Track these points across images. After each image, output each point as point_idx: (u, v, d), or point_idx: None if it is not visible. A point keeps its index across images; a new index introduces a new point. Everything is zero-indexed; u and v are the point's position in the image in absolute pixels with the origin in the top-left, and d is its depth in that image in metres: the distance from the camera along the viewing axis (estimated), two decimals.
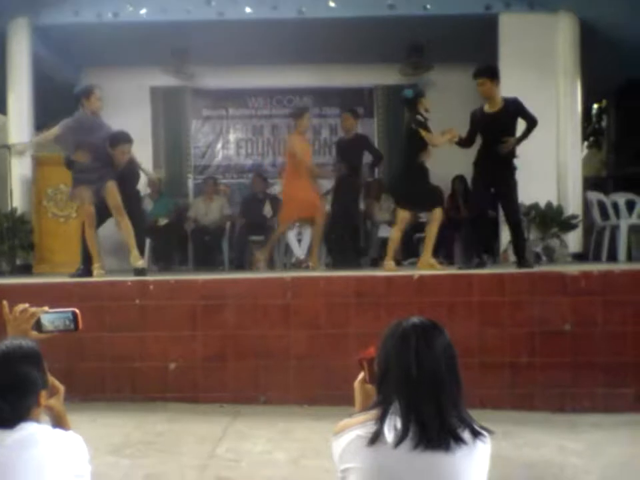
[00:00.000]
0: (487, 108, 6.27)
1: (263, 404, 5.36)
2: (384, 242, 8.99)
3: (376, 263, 8.74)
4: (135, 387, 5.41)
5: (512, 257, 7.55)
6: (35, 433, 1.93)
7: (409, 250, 8.81)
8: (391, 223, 8.89)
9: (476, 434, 1.90)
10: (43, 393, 2.03)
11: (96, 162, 6.27)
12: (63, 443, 1.97)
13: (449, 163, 8.97)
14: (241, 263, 8.49)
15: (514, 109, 6.17)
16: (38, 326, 2.26)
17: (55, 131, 6.31)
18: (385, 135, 10.00)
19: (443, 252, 8.67)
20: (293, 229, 8.64)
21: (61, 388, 2.20)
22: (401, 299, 5.34)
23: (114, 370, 5.41)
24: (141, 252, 6.67)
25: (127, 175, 6.52)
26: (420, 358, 1.89)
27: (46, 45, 8.54)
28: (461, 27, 8.05)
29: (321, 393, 5.27)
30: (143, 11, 8.09)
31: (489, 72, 6.21)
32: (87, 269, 6.38)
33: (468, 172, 8.69)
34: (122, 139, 6.39)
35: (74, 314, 2.28)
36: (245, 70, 9.50)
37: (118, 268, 7.69)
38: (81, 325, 2.29)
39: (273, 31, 8.16)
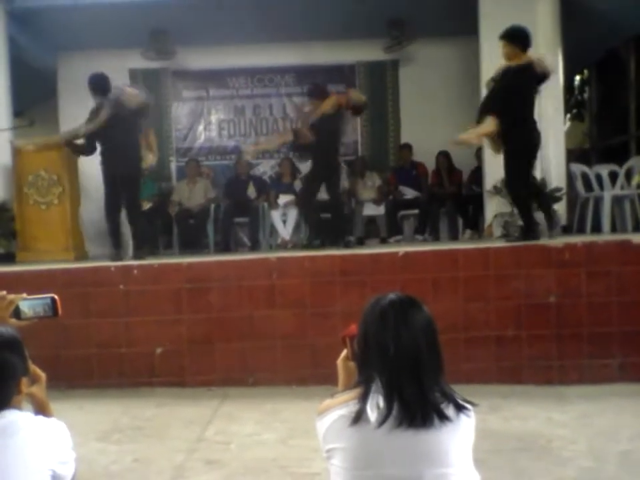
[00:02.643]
0: None
1: (251, 385, 5.37)
2: (369, 220, 9.01)
3: (361, 241, 8.74)
4: (122, 372, 5.40)
5: (497, 232, 7.59)
6: (17, 421, 1.91)
7: (394, 228, 8.81)
8: (375, 201, 8.90)
9: (460, 408, 1.90)
10: (24, 380, 2.01)
11: None
12: (45, 430, 1.95)
13: (432, 138, 8.99)
14: (226, 245, 8.46)
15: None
16: (16, 313, 2.24)
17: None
18: (368, 111, 9.92)
19: (429, 228, 8.69)
20: (277, 209, 8.62)
21: (43, 375, 2.19)
22: (387, 276, 5.35)
23: (100, 356, 5.40)
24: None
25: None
26: (398, 335, 1.87)
27: (22, 29, 8.40)
28: (441, 1, 7.99)
29: (309, 373, 5.28)
30: None
31: (507, 35, 6.04)
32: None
33: (451, 147, 8.74)
34: None
35: (53, 300, 2.26)
36: (224, 50, 9.40)
37: (104, 254, 7.63)
38: (60, 311, 2.27)
39: (252, 9, 8.07)
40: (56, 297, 2.28)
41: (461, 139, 6.19)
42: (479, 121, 6.12)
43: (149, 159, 7.04)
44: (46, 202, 7.20)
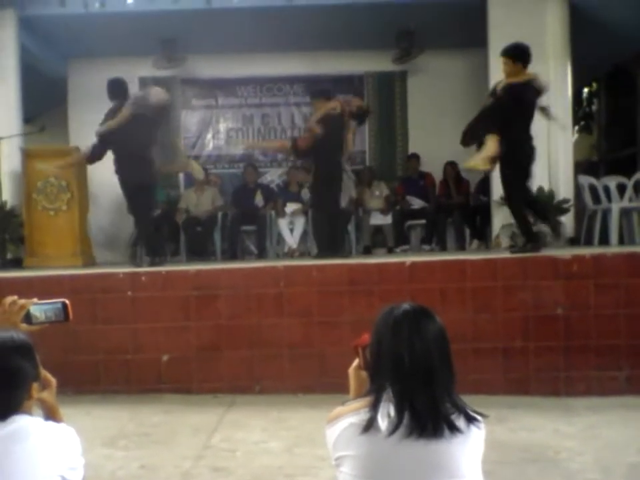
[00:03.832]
0: None
1: (258, 393, 5.37)
2: (376, 229, 9.01)
3: (368, 250, 8.74)
4: (129, 379, 5.40)
5: (504, 242, 7.58)
6: (27, 426, 1.91)
7: (401, 237, 8.81)
8: (383, 210, 8.91)
9: (470, 419, 1.90)
10: (35, 386, 2.01)
11: None
12: (55, 435, 1.95)
13: (440, 148, 9.01)
14: (233, 253, 8.47)
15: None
16: (27, 318, 2.24)
17: None
18: (375, 121, 9.97)
19: (436, 238, 8.69)
20: (285, 217, 8.63)
21: (53, 381, 2.19)
22: (394, 286, 5.34)
23: (107, 362, 5.40)
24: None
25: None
26: (412, 345, 1.87)
27: (32, 36, 8.46)
28: (451, 12, 8.01)
29: (316, 381, 5.28)
30: (130, 1, 8.00)
31: (511, 52, 6.10)
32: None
33: (459, 158, 8.75)
34: None
35: (64, 304, 2.27)
36: (234, 59, 9.44)
37: (112, 260, 7.68)
38: (71, 316, 2.27)
39: (261, 18, 8.10)
40: (67, 301, 2.28)
41: (469, 167, 6.22)
42: (473, 136, 6.14)
43: (196, 169, 7.10)
44: (54, 208, 7.25)
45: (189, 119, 10.12)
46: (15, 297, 2.25)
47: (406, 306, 1.97)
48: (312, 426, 4.32)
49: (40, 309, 2.26)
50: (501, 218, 7.76)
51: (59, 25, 8.19)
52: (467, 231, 8.77)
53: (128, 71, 9.27)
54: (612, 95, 11.33)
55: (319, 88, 7.60)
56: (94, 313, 5.39)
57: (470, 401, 1.98)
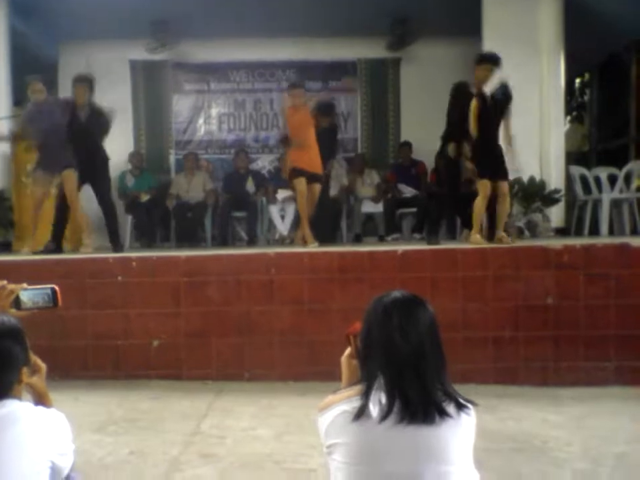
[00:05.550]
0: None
1: (247, 380, 5.37)
2: (368, 217, 9.00)
3: (359, 238, 8.73)
4: (118, 364, 5.39)
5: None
6: (17, 411, 1.91)
7: (392, 226, 8.80)
8: (374, 198, 8.89)
9: (460, 407, 1.91)
10: (25, 370, 2.01)
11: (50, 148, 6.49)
12: (45, 420, 1.95)
13: (433, 136, 8.98)
14: (223, 239, 8.44)
15: None
16: (17, 303, 2.22)
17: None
18: (368, 108, 9.94)
19: (427, 226, 8.68)
20: (276, 204, 8.61)
21: (43, 366, 2.18)
22: (385, 274, 5.34)
23: (96, 348, 5.38)
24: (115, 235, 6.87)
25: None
26: (403, 332, 1.88)
27: (23, 18, 8.38)
28: (445, 1, 7.99)
29: (305, 369, 5.28)
30: None
31: (495, 60, 6.29)
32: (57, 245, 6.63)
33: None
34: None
35: (53, 290, 2.25)
36: (226, 43, 9.38)
37: (102, 245, 7.63)
38: (60, 302, 2.26)
39: (254, 3, 8.05)
40: (56, 287, 2.27)
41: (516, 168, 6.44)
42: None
43: None
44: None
45: (181, 104, 10.06)
46: (5, 282, 2.23)
47: (397, 294, 1.97)
48: (302, 413, 4.32)
49: (29, 294, 2.24)
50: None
51: (50, 8, 8.12)
52: (458, 220, 8.76)
53: (119, 54, 9.25)
54: (604, 86, 11.34)
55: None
56: (83, 298, 5.36)
57: (460, 389, 1.99)
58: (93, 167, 6.63)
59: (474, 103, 6.15)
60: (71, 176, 6.51)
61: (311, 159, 6.87)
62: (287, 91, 7.22)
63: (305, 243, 6.61)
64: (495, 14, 7.99)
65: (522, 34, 7.92)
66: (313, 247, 6.33)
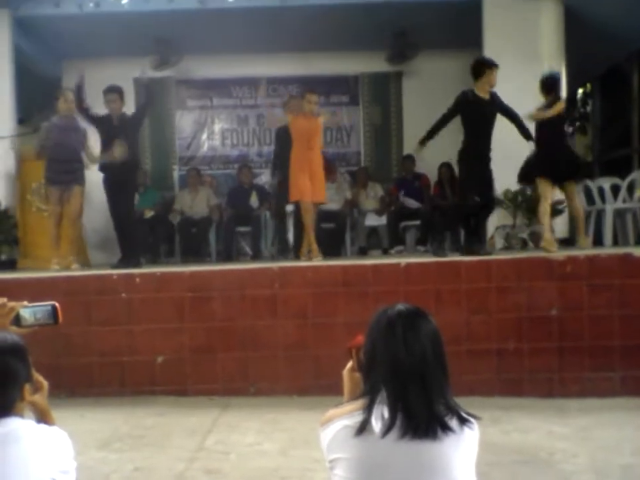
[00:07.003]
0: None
1: (253, 395, 5.36)
2: (372, 230, 9.01)
3: (364, 251, 8.74)
4: (123, 381, 5.39)
5: (499, 243, 7.59)
6: (19, 429, 1.90)
7: (396, 238, 8.80)
8: (378, 211, 8.91)
9: (463, 421, 1.89)
10: (27, 387, 2.00)
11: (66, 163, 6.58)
12: (47, 438, 1.94)
13: (435, 149, 9.01)
14: (228, 254, 8.46)
15: None
16: (17, 320, 2.23)
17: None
18: (371, 122, 9.98)
19: (431, 239, 8.68)
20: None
21: (45, 383, 2.18)
22: (389, 287, 5.34)
23: (101, 364, 5.39)
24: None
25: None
26: (407, 345, 1.87)
27: (27, 37, 8.45)
28: (446, 13, 8.04)
29: (310, 383, 5.28)
30: (125, 1, 8.01)
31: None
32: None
33: (453, 159, 8.75)
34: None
35: (54, 307, 2.26)
36: (228, 59, 9.44)
37: (106, 262, 7.65)
38: (61, 319, 2.26)
39: (255, 19, 8.11)
40: (57, 304, 2.27)
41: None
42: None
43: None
44: (48, 209, 7.21)
45: (184, 120, 10.11)
46: (5, 299, 2.24)
47: (400, 307, 1.96)
48: (307, 428, 4.32)
49: (29, 311, 2.25)
50: (495, 219, 7.77)
51: (54, 26, 8.19)
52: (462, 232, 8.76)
53: (123, 72, 9.28)
54: (606, 96, 11.36)
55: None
56: (88, 315, 5.38)
57: (464, 402, 1.98)
58: (126, 171, 6.64)
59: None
60: (81, 192, 6.58)
61: (316, 186, 6.72)
62: (303, 96, 6.95)
63: (310, 256, 6.59)
64: (496, 26, 8.03)
65: (523, 45, 7.96)
66: (317, 261, 6.31)
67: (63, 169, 6.61)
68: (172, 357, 5.41)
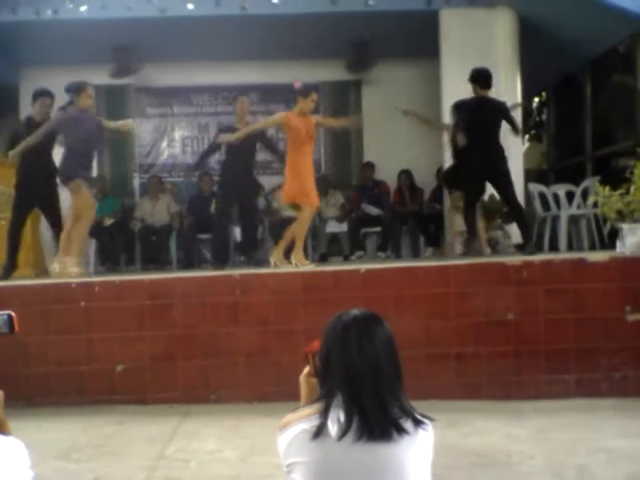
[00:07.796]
0: None
1: (214, 402, 5.35)
2: (333, 237, 9.06)
3: (325, 258, 8.78)
4: (82, 390, 5.34)
5: (457, 249, 7.69)
6: None
7: (356, 245, 8.87)
8: (338, 218, 8.97)
9: (418, 423, 1.93)
10: None
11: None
12: (1, 449, 1.93)
13: (395, 157, 9.12)
14: (189, 262, 8.43)
15: None
16: None
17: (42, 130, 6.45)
18: (331, 131, 10.03)
19: (391, 245, 8.77)
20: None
21: (1, 393, 2.16)
22: (348, 293, 5.38)
23: (60, 374, 5.33)
24: None
25: None
26: (361, 351, 1.90)
27: None
28: (403, 23, 8.12)
29: (271, 390, 5.28)
30: (83, 8, 7.92)
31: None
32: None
33: (412, 166, 8.91)
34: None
35: (9, 316, 2.24)
36: (189, 67, 9.42)
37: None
38: (17, 328, 2.25)
39: (216, 27, 8.11)
40: (13, 313, 2.25)
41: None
42: None
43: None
44: (5, 217, 7.09)
45: (144, 128, 10.04)
46: None
47: (355, 312, 2.00)
48: (268, 434, 4.27)
49: None
50: (454, 225, 7.88)
51: (10, 32, 8.07)
52: (421, 239, 8.88)
53: (82, 79, 9.18)
54: (561, 105, 11.58)
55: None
56: (46, 324, 5.32)
57: (422, 405, 2.02)
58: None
59: None
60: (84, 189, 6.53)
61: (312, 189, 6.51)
62: (307, 95, 6.77)
63: (296, 264, 6.24)
64: (452, 35, 8.15)
65: (479, 54, 8.05)
66: (308, 267, 6.12)
67: (91, 165, 6.68)
68: (132, 365, 5.37)
